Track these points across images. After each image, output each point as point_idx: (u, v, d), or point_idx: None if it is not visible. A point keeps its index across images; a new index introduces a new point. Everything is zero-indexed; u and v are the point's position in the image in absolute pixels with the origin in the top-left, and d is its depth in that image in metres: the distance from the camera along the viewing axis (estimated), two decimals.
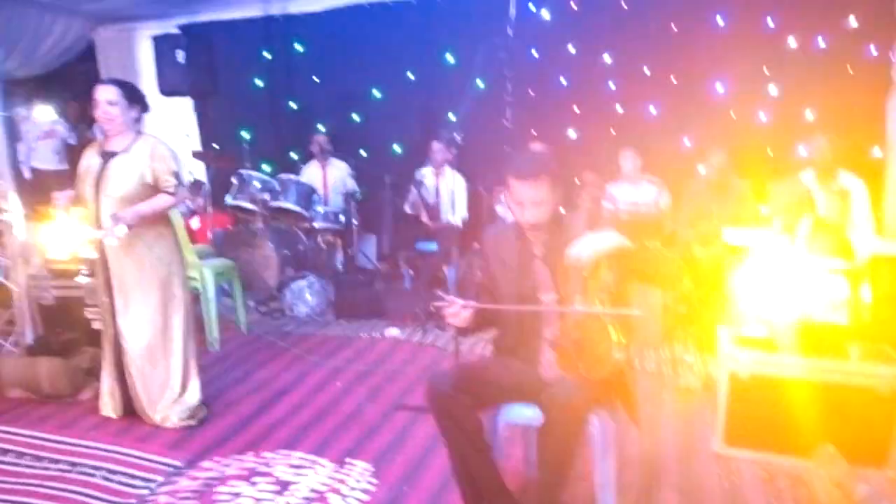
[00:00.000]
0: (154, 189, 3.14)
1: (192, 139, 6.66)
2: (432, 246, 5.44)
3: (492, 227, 2.74)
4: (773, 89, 5.04)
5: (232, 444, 3.14)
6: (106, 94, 3.09)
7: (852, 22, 4.79)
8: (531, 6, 5.47)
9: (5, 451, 3.10)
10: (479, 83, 5.46)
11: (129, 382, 3.28)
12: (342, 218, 5.84)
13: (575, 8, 5.40)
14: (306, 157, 6.25)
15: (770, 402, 2.84)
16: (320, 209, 5.71)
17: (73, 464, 2.97)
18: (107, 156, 3.14)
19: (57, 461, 3.00)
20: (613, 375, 2.30)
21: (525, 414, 2.43)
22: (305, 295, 5.18)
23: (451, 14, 5.80)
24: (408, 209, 5.80)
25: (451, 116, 5.65)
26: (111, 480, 2.83)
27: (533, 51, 5.58)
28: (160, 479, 2.84)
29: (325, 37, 6.26)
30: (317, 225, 5.68)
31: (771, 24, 4.95)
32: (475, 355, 4.09)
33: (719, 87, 5.17)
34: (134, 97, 3.17)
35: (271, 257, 5.30)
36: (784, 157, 4.77)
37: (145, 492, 2.75)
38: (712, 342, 3.68)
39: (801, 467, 2.66)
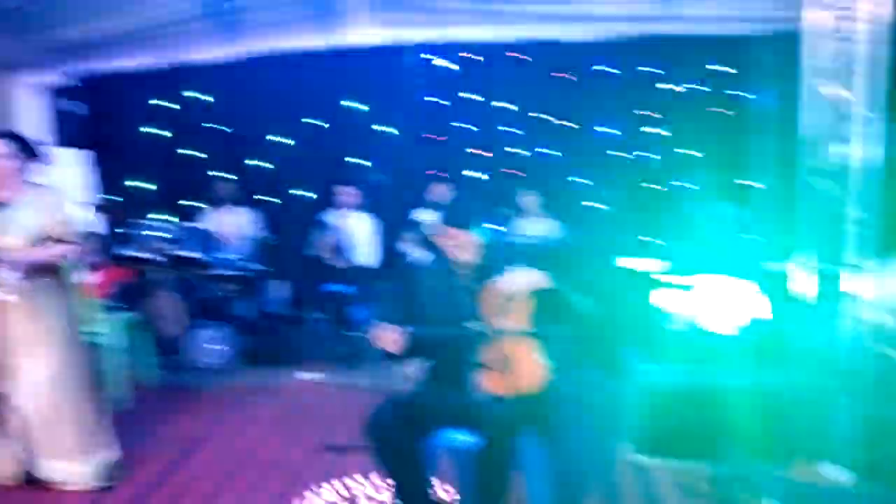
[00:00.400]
0: (48, 241, 3.01)
1: (89, 190, 6.38)
2: (341, 288, 5.44)
3: (423, 262, 2.85)
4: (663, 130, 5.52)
5: (152, 502, 2.99)
6: None
7: (729, 69, 5.35)
8: (440, 60, 5.72)
9: None
10: (386, 129, 5.65)
11: (30, 447, 3.06)
12: (247, 265, 5.75)
13: (481, 59, 5.71)
14: (209, 204, 6.13)
15: (678, 412, 3.06)
16: (223, 257, 5.60)
17: None
18: None
19: None
20: (540, 394, 2.44)
21: (460, 438, 2.51)
22: (211, 344, 5.02)
23: (354, 63, 5.95)
24: (315, 252, 5.79)
25: (358, 160, 5.78)
26: None
27: (439, 99, 5.83)
28: None
29: (226, 86, 6.24)
30: (220, 273, 5.56)
31: (659, 72, 5.46)
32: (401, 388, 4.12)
33: (615, 130, 5.60)
34: (26, 149, 3.05)
35: (174, 307, 5.12)
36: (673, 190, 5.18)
37: None
38: (617, 362, 3.91)
39: (707, 466, 2.86)
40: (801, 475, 2.87)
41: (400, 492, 2.43)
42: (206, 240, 5.44)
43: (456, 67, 5.88)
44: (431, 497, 2.45)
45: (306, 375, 4.63)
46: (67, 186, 6.33)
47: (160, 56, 6.12)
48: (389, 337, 2.40)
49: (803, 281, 3.14)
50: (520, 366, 2.39)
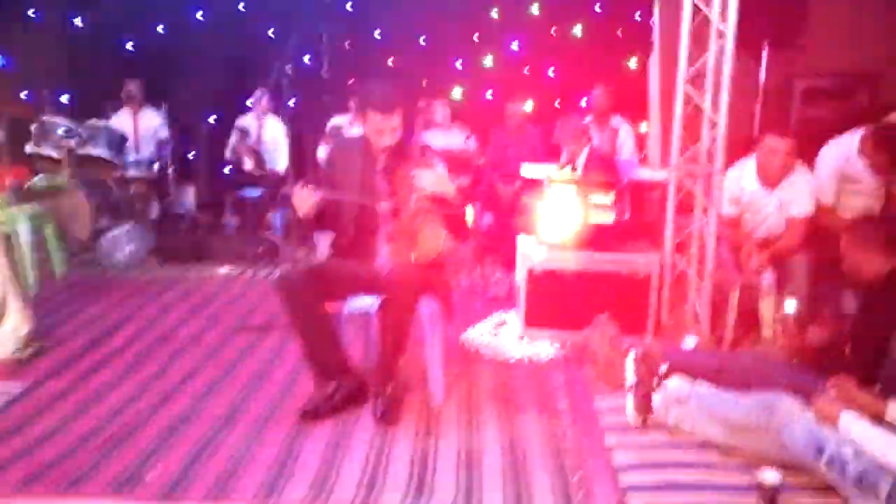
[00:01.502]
0: None
1: None
2: (256, 192, 5.57)
3: (339, 140, 3.06)
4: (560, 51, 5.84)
5: (69, 372, 3.17)
6: None
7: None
8: None
9: None
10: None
11: None
12: (156, 167, 5.75)
13: None
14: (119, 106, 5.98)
15: (558, 290, 3.50)
16: (132, 158, 5.58)
17: None
18: None
19: None
20: (438, 267, 2.78)
21: (365, 303, 2.83)
22: (123, 243, 5.07)
23: None
24: (228, 156, 5.84)
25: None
26: None
27: (348, 6, 5.86)
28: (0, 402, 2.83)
29: None
30: (129, 174, 5.54)
31: None
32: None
33: (514, 47, 5.85)
34: None
35: (83, 206, 5.09)
36: (570, 107, 5.54)
37: None
38: (513, 261, 4.32)
39: (582, 335, 3.31)
40: (660, 339, 3.39)
41: (307, 349, 2.74)
42: (116, 139, 5.37)
43: None
44: (339, 352, 2.77)
45: (224, 270, 4.79)
46: None
47: None
48: (305, 196, 2.64)
49: (674, 179, 3.59)
50: (422, 239, 2.70)
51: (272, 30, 5.96)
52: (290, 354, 3.34)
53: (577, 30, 5.86)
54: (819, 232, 3.51)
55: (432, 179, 2.68)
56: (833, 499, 2.20)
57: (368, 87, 2.80)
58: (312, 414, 2.71)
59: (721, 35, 3.30)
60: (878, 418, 2.18)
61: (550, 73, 5.89)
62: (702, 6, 3.33)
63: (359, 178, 2.83)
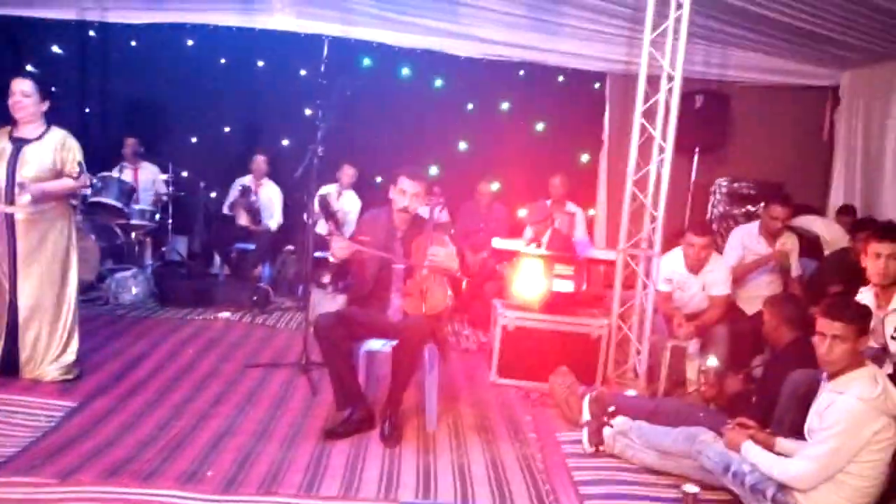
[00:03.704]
0: (59, 174, 3.62)
1: None
2: (251, 246, 6.17)
3: (371, 211, 3.78)
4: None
5: (111, 394, 3.67)
6: (22, 86, 3.54)
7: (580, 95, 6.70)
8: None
9: None
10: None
11: (19, 342, 3.63)
12: (156, 217, 6.31)
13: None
14: (113, 160, 6.49)
15: (525, 345, 4.24)
16: (137, 207, 6.13)
17: None
18: (19, 142, 3.56)
19: None
20: (439, 319, 3.50)
21: (377, 346, 3.51)
22: (129, 284, 5.57)
23: (267, 40, 6.63)
24: (226, 211, 6.45)
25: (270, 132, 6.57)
26: (15, 416, 3.25)
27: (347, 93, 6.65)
28: (61, 414, 3.33)
29: (143, 48, 6.67)
30: (133, 222, 6.08)
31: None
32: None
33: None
34: (42, 91, 3.63)
35: (92, 249, 5.59)
36: (534, 190, 6.38)
37: (53, 424, 3.23)
38: (482, 320, 5.05)
39: (546, 385, 4.04)
40: (608, 388, 4.13)
41: (334, 380, 3.38)
42: (125, 190, 5.92)
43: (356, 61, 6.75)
44: (357, 385, 3.42)
45: (226, 314, 5.34)
46: None
47: (82, 11, 6.49)
48: (343, 245, 3.33)
49: (620, 259, 4.44)
50: (431, 295, 3.42)
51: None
52: (300, 385, 3.96)
53: (540, 126, 6.82)
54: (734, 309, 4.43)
55: (445, 254, 3.42)
56: None
57: (403, 161, 3.55)
58: (333, 433, 3.32)
59: (662, 150, 4.23)
60: (769, 448, 2.96)
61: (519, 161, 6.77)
62: (648, 127, 4.26)
63: (382, 241, 3.55)
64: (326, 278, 5.79)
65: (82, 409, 3.42)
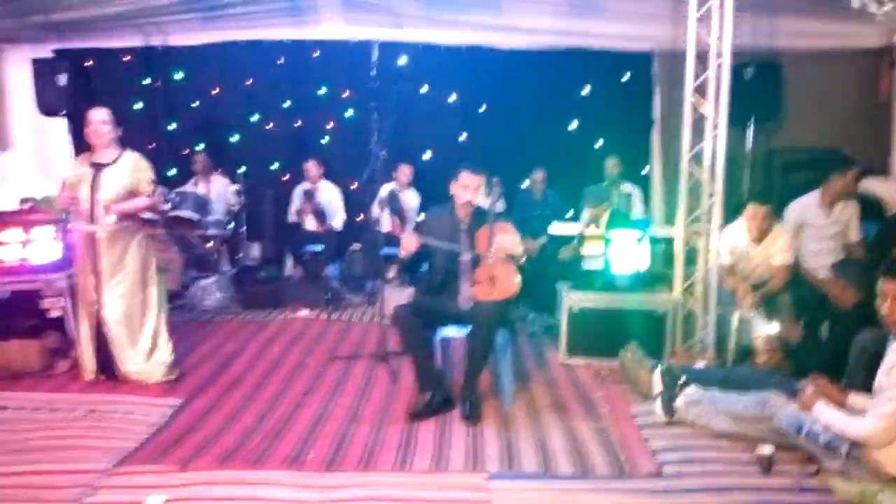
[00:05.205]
0: (135, 194, 3.96)
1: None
2: (319, 247, 6.48)
3: (434, 207, 4.00)
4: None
5: (210, 390, 4.00)
6: (98, 116, 3.91)
7: (627, 78, 6.75)
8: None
9: (20, 409, 3.69)
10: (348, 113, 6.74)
11: (110, 348, 4.00)
12: (230, 226, 6.69)
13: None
14: (187, 174, 6.91)
15: (592, 325, 4.38)
16: (211, 218, 6.51)
17: (89, 410, 3.66)
18: (97, 167, 3.92)
19: (73, 409, 3.66)
20: (509, 304, 3.69)
21: (451, 332, 3.73)
22: (212, 290, 5.95)
23: (321, 53, 6.93)
24: (293, 218, 6.78)
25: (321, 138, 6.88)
26: (131, 415, 3.60)
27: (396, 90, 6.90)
28: (170, 411, 3.67)
29: (203, 67, 7.06)
30: (210, 232, 6.46)
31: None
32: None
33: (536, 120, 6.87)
34: (115, 119, 3.99)
35: (176, 260, 5.99)
36: (587, 174, 6.48)
37: (165, 419, 3.57)
38: (545, 304, 5.22)
39: (614, 362, 4.18)
40: (676, 361, 4.24)
41: (415, 366, 3.62)
42: (200, 203, 6.30)
43: (408, 62, 6.96)
44: (436, 369, 3.65)
45: (304, 312, 5.65)
46: (53, 151, 7.06)
47: (147, 37, 6.91)
48: (412, 240, 3.55)
49: (680, 236, 4.53)
50: (500, 282, 3.62)
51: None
52: (380, 374, 4.22)
53: (589, 110, 6.88)
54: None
55: (509, 241, 3.61)
56: (809, 466, 3.04)
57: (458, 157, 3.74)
58: (417, 414, 3.56)
59: (715, 126, 4.30)
60: (840, 406, 3.05)
61: (569, 145, 6.87)
62: (699, 104, 4.34)
63: (447, 233, 3.76)
64: (392, 273, 6.07)
65: (188, 405, 3.76)
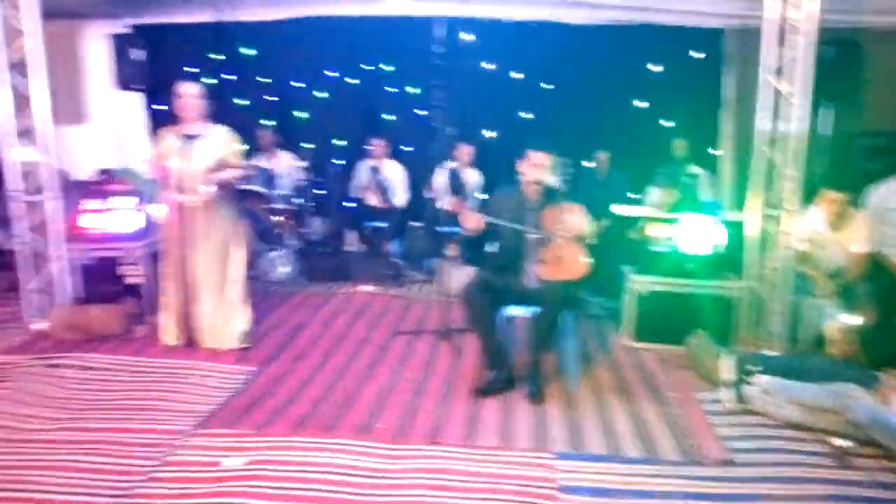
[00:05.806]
0: (223, 164, 4.08)
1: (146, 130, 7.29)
2: (383, 223, 6.56)
3: (502, 186, 4.00)
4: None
5: (281, 359, 4.13)
6: (191, 90, 4.02)
7: (696, 55, 6.55)
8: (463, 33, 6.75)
9: (105, 369, 3.89)
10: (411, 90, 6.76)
11: (194, 314, 4.16)
12: (295, 201, 6.82)
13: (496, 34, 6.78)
14: (253, 150, 7.06)
15: (660, 309, 4.33)
16: (278, 192, 6.66)
17: (168, 373, 3.84)
18: (188, 138, 4.04)
19: (152, 373, 3.85)
20: (575, 285, 3.68)
21: (517, 311, 3.75)
22: (280, 263, 6.11)
23: (385, 29, 6.95)
24: (355, 193, 6.88)
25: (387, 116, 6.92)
26: (208, 379, 3.75)
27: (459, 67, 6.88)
28: (245, 377, 3.80)
29: (271, 43, 7.17)
30: (277, 206, 6.61)
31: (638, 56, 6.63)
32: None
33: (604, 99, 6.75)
34: (203, 93, 4.10)
35: (247, 233, 6.13)
36: (655, 155, 6.36)
37: (240, 385, 3.71)
38: (608, 286, 5.16)
39: (681, 348, 4.13)
40: (746, 349, 4.16)
41: (482, 343, 3.65)
42: (268, 177, 6.45)
43: (473, 38, 6.91)
44: (498, 341, 3.67)
45: (368, 287, 5.76)
46: (129, 127, 7.31)
47: (218, 13, 7.05)
48: (473, 217, 3.57)
49: (753, 220, 4.42)
50: (567, 262, 3.61)
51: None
52: (444, 350, 4.27)
53: (657, 89, 6.72)
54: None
55: (578, 220, 3.59)
56: (884, 461, 2.97)
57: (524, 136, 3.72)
58: (483, 391, 3.60)
59: (792, 107, 4.15)
60: None
61: (639, 126, 6.74)
62: (776, 84, 4.19)
63: (514, 213, 3.76)
64: (451, 251, 6.10)
65: (261, 373, 3.89)
